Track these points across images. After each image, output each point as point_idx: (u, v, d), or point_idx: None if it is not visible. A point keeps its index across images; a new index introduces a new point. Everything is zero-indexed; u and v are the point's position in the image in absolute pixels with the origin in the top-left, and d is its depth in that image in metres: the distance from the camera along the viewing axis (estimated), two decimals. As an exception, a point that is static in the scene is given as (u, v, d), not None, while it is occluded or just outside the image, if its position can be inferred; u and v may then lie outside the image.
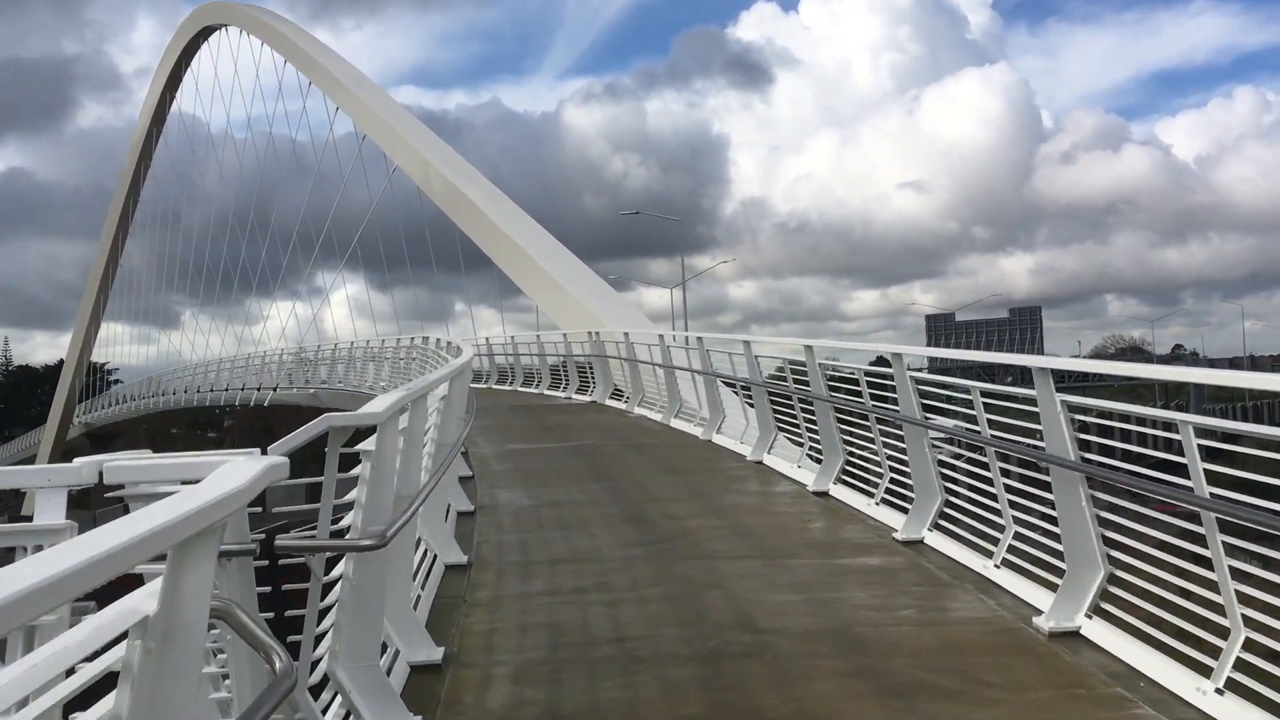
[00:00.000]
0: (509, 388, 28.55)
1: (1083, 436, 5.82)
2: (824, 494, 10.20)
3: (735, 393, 14.99)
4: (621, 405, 19.99)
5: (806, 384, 11.02)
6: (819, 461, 10.94)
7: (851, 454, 10.27)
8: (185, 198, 59.16)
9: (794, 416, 11.93)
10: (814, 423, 11.25)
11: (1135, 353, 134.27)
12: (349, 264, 42.91)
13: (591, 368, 23.03)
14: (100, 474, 2.67)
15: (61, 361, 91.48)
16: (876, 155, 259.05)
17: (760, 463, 12.29)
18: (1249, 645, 4.47)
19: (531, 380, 27.71)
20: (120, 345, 74.69)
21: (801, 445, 11.70)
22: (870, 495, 9.50)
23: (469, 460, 12.60)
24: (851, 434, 10.30)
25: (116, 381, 78.45)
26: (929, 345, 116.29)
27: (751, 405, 13.25)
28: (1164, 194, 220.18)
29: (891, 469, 9.23)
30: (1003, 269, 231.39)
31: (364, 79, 39.58)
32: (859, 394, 9.73)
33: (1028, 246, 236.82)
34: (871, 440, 9.59)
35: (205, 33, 52.56)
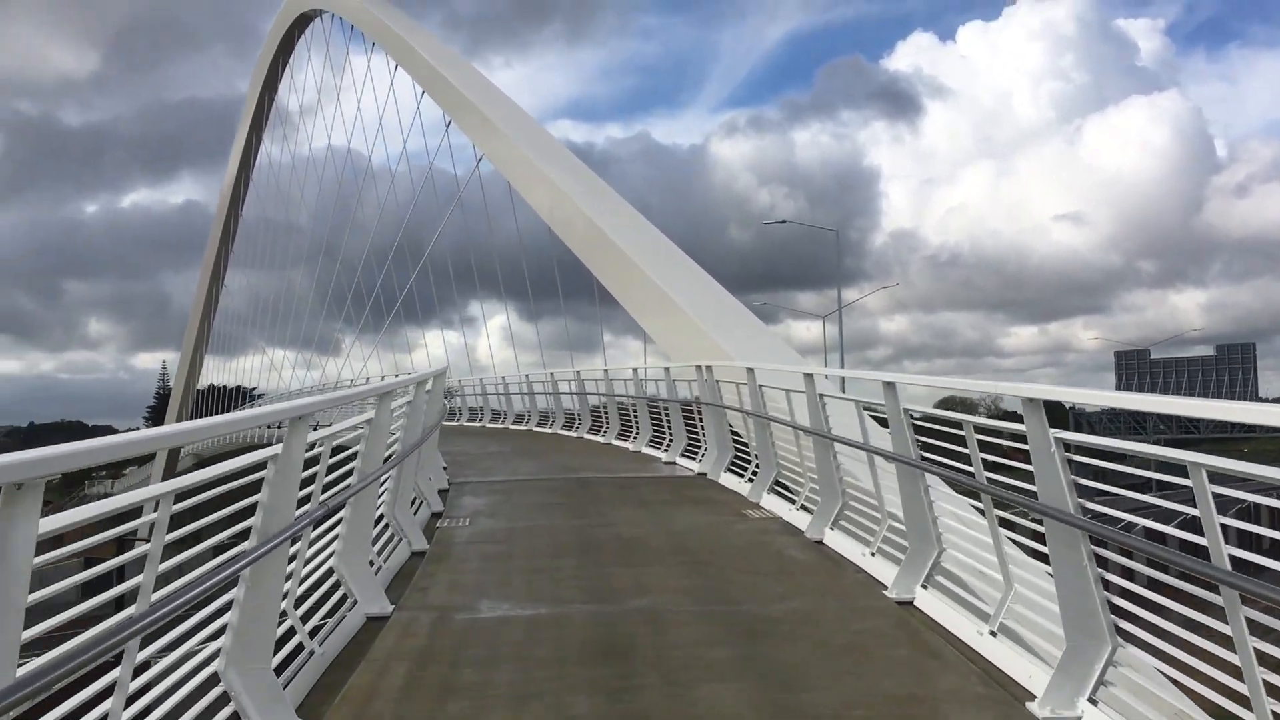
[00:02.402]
0: (603, 439, 21.07)
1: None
2: None
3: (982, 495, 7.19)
4: (744, 487, 12.24)
5: None
6: None
7: None
8: (341, 226, 53.46)
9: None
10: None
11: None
12: (499, 293, 37.62)
13: (702, 419, 15.37)
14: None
15: (211, 386, 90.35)
16: (1033, 186, 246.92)
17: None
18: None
19: (630, 431, 20.18)
20: (286, 370, 70.16)
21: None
22: None
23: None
24: None
25: (262, 407, 74.71)
26: (1119, 386, 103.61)
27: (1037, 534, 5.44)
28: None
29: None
30: (1173, 305, 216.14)
31: (458, 61, 33.08)
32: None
33: (1199, 282, 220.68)
34: None
35: (301, 22, 47.42)
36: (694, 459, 15.58)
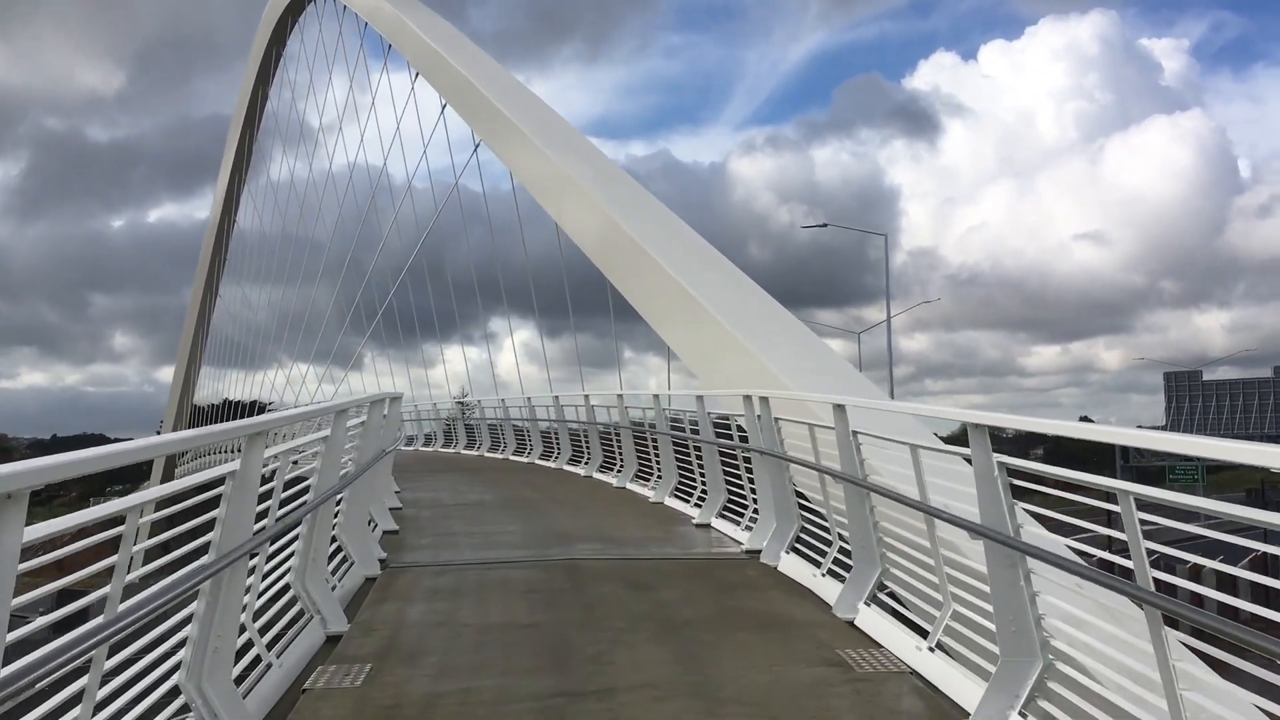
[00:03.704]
0: (615, 482, 16.78)
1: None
2: None
3: None
4: (826, 587, 7.95)
5: None
6: None
7: None
8: (359, 240, 48.61)
9: None
10: None
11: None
12: (519, 309, 33.54)
13: (750, 469, 11.06)
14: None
15: (226, 401, 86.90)
16: (1055, 206, 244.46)
17: None
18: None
19: (649, 472, 15.89)
20: (309, 385, 65.35)
21: None
22: None
23: None
24: None
25: (273, 426, 70.36)
26: (1168, 410, 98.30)
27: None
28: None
29: None
30: (1197, 325, 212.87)
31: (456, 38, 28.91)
32: None
33: (1223, 302, 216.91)
34: None
35: (295, 8, 43.41)
36: (738, 522, 11.29)
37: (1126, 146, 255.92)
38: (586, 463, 19.34)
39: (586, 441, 19.83)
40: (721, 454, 12.22)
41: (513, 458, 24.79)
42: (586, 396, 19.37)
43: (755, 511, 10.87)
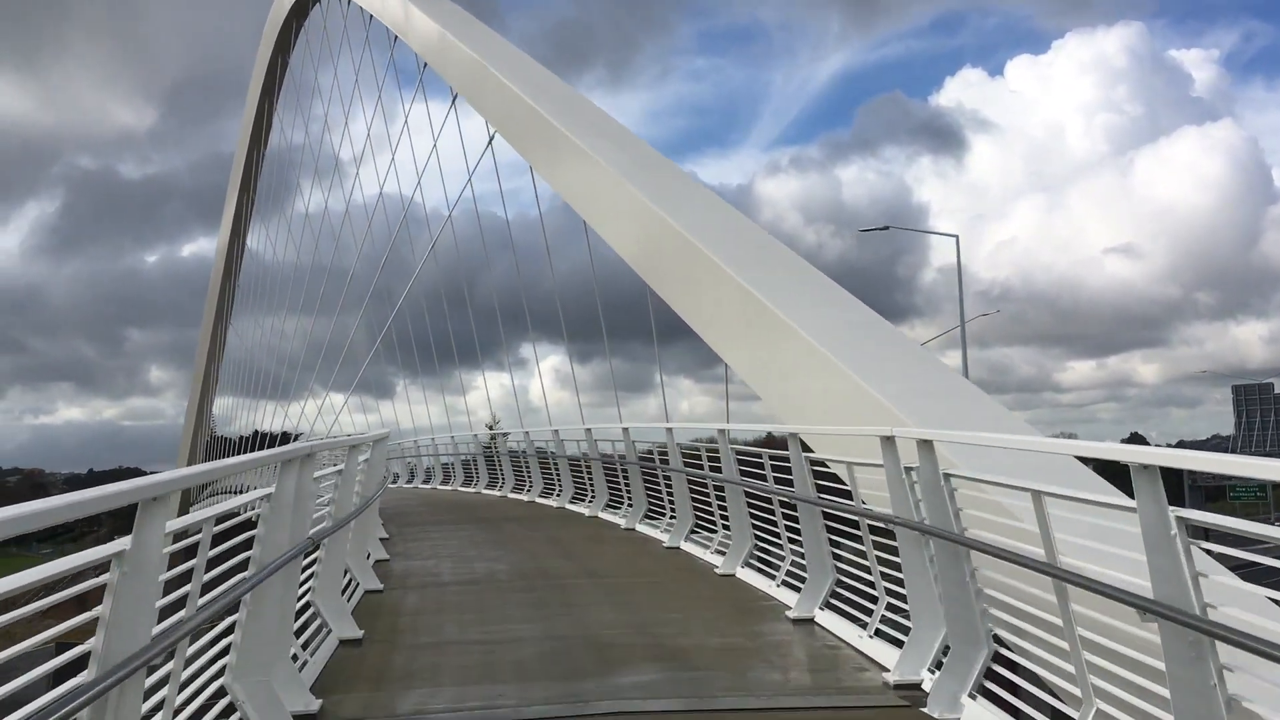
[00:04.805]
0: (665, 538, 13.13)
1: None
2: None
3: None
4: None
5: None
6: None
7: None
8: (393, 271, 44.86)
9: None
10: None
11: None
12: (550, 334, 30.20)
13: (876, 541, 7.39)
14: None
15: (256, 433, 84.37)
16: (1085, 220, 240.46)
17: None
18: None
19: (710, 524, 12.23)
20: (342, 415, 61.73)
21: None
22: None
23: None
24: None
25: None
26: (1237, 425, 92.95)
27: None
28: None
29: None
30: (1235, 336, 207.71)
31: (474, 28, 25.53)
32: None
33: (1261, 313, 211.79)
34: None
35: (299, 10, 40.30)
36: (862, 622, 7.60)
37: (1157, 158, 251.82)
38: (629, 508, 15.74)
39: (626, 481, 16.24)
40: (826, 517, 8.56)
41: (539, 500, 21.24)
42: (626, 430, 15.75)
43: (889, 609, 7.24)
